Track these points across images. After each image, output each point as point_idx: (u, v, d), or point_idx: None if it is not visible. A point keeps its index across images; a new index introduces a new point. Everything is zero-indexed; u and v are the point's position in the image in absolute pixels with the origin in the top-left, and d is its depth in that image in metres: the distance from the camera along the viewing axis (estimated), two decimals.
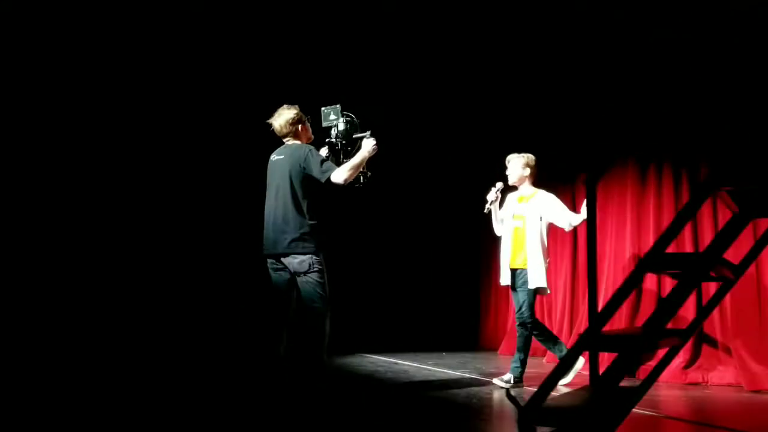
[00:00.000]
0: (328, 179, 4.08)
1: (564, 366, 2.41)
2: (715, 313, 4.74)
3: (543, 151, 7.33)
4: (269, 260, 4.23)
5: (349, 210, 7.97)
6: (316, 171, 4.11)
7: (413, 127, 8.22)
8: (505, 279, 5.18)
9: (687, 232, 5.57)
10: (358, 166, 4.14)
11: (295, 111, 4.35)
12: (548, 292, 5.27)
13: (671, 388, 4.88)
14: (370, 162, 4.29)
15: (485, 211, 5.30)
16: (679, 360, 5.11)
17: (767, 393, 4.66)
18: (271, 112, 4.40)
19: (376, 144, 4.24)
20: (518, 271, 5.07)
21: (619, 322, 5.66)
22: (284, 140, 4.40)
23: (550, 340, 5.09)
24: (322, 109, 4.43)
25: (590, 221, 2.78)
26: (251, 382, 4.99)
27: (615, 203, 6.22)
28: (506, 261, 5.17)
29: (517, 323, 5.05)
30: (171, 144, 7.32)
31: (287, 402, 4.07)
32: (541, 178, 5.42)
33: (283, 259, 4.15)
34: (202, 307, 7.20)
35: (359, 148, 4.27)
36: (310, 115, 4.45)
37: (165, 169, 7.34)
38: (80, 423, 3.67)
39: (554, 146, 7.21)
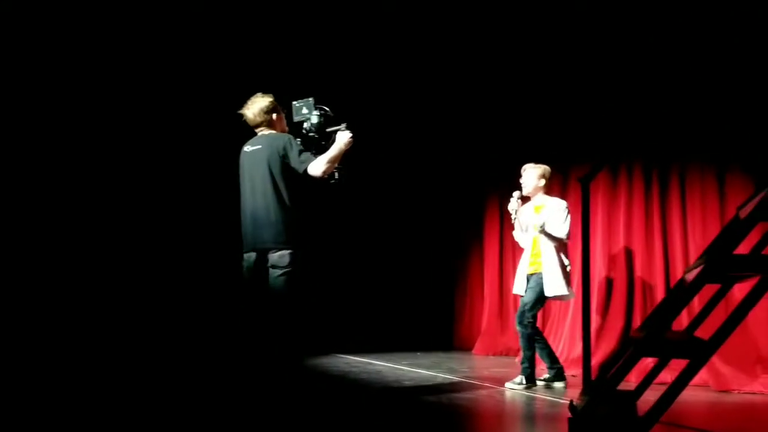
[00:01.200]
0: (306, 171, 3.95)
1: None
2: (684, 313, 4.78)
3: (521, 151, 7.44)
4: (247, 255, 4.06)
5: (325, 210, 7.96)
6: (294, 161, 3.98)
7: (390, 128, 8.22)
8: (518, 288, 5.22)
9: (657, 231, 5.64)
10: (335, 158, 3.98)
11: (269, 99, 4.20)
12: (573, 296, 5.22)
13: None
14: (345, 159, 4.13)
15: (512, 221, 5.29)
16: (648, 360, 5.15)
17: (735, 393, 4.73)
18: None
19: (351, 137, 4.05)
20: (533, 276, 5.10)
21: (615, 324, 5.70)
22: (257, 131, 4.24)
23: (546, 349, 5.13)
24: (293, 103, 4.29)
25: (584, 222, 2.80)
26: (227, 380, 4.96)
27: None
28: (523, 270, 5.20)
29: (517, 321, 5.08)
30: (144, 140, 7.22)
31: (262, 400, 4.01)
32: (514, 180, 5.43)
33: (264, 254, 3.99)
34: (178, 305, 7.13)
35: (334, 141, 4.07)
36: (285, 110, 4.32)
37: (140, 167, 7.25)
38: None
39: (534, 146, 7.26)
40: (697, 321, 2.62)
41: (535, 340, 5.05)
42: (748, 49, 4.95)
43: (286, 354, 3.99)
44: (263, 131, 4.22)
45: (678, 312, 2.22)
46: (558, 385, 5.04)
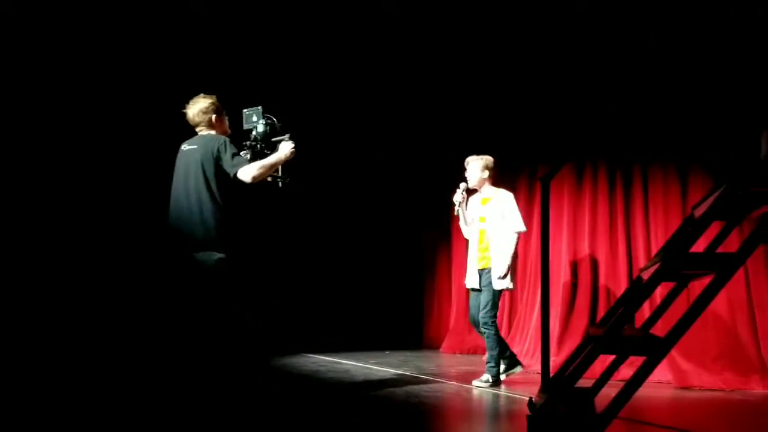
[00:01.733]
0: (236, 174, 3.94)
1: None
2: (645, 308, 4.85)
3: (484, 149, 7.48)
4: (178, 255, 4.01)
5: (293, 209, 7.97)
6: (226, 163, 3.96)
7: (358, 128, 8.23)
8: (471, 282, 5.23)
9: (620, 229, 5.72)
10: (269, 166, 4.02)
11: (210, 100, 4.21)
12: (513, 288, 5.26)
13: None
14: (291, 165, 4.19)
15: (455, 213, 5.34)
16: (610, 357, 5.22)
17: (696, 390, 4.81)
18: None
19: (294, 148, 4.13)
20: (484, 271, 5.11)
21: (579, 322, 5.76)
22: (197, 130, 4.24)
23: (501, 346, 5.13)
24: (244, 111, 4.35)
25: (544, 220, 2.82)
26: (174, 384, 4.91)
27: (552, 203, 6.32)
28: (473, 263, 5.21)
29: (481, 323, 5.06)
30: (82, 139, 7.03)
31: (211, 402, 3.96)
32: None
33: (194, 255, 3.94)
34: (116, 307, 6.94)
35: (277, 150, 4.17)
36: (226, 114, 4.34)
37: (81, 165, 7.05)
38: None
39: (496, 144, 7.30)
40: (654, 318, 2.68)
41: (500, 337, 5.10)
42: (709, 54, 5.03)
43: (228, 355, 3.95)
44: (202, 131, 4.22)
45: (635, 309, 2.26)
46: (518, 369, 5.17)
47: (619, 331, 2.23)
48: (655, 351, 2.13)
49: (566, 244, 6.05)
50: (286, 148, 4.11)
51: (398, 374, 5.66)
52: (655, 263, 2.79)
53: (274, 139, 4.26)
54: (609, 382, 2.56)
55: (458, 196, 5.25)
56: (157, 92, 6.64)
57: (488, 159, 5.28)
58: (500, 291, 5.08)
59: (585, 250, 5.91)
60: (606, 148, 5.85)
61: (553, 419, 2.19)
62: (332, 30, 6.89)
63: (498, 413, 4.10)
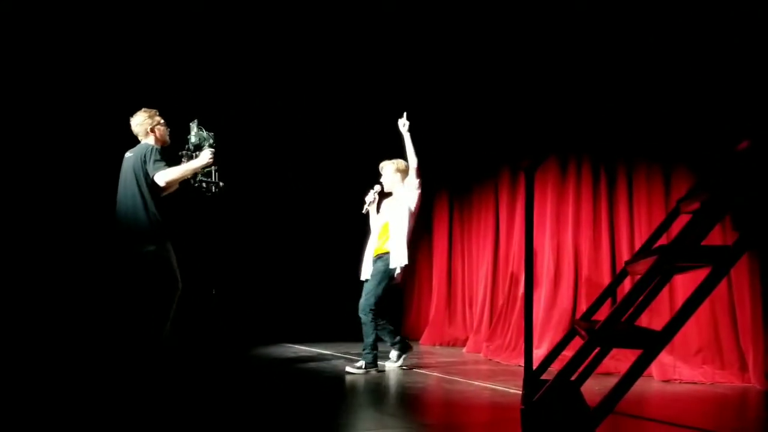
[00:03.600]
0: (153, 177, 4.47)
1: None
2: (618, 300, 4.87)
3: (469, 142, 7.46)
4: (119, 248, 4.55)
5: (271, 202, 8.09)
6: (149, 167, 4.49)
7: (346, 122, 8.26)
8: (365, 273, 5.47)
9: (604, 223, 5.73)
10: (184, 172, 4.56)
11: (146, 114, 4.71)
12: (399, 271, 5.39)
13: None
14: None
15: (363, 211, 5.67)
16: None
17: (676, 383, 4.84)
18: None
19: (212, 157, 4.66)
20: (378, 257, 5.37)
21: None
22: (139, 139, 4.75)
23: (386, 327, 5.41)
24: (190, 123, 4.85)
25: (528, 210, 2.80)
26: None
27: (535, 196, 6.32)
28: (369, 255, 5.48)
29: (360, 310, 5.32)
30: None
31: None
32: (463, 174, 5.48)
33: (131, 247, 4.49)
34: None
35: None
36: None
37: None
38: None
39: (480, 136, 7.30)
40: (638, 311, 2.68)
41: (378, 325, 5.30)
42: (694, 54, 5.05)
43: (144, 338, 4.40)
44: (141, 140, 4.75)
45: (632, 303, 2.25)
46: (405, 354, 5.47)
47: (616, 324, 2.21)
48: (652, 344, 2.12)
49: (549, 236, 6.05)
50: (203, 156, 4.67)
51: (379, 365, 5.63)
52: (644, 256, 2.78)
53: (206, 149, 4.74)
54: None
55: (369, 197, 5.60)
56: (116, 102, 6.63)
57: (399, 162, 5.53)
58: (393, 270, 5.29)
59: (568, 242, 5.91)
60: (591, 142, 5.85)
61: (549, 413, 2.17)
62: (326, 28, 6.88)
63: (484, 405, 4.08)
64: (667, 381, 4.88)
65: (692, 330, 4.91)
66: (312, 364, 5.68)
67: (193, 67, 7.18)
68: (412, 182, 5.41)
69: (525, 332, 2.80)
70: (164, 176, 4.47)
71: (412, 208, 5.42)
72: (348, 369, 5.15)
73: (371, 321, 5.23)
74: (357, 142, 8.46)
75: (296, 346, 7.10)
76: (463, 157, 7.45)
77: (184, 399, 4.04)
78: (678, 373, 4.90)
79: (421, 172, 5.43)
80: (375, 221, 5.64)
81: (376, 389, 4.44)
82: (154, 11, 6.44)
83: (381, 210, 5.65)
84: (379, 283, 5.29)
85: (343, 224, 8.76)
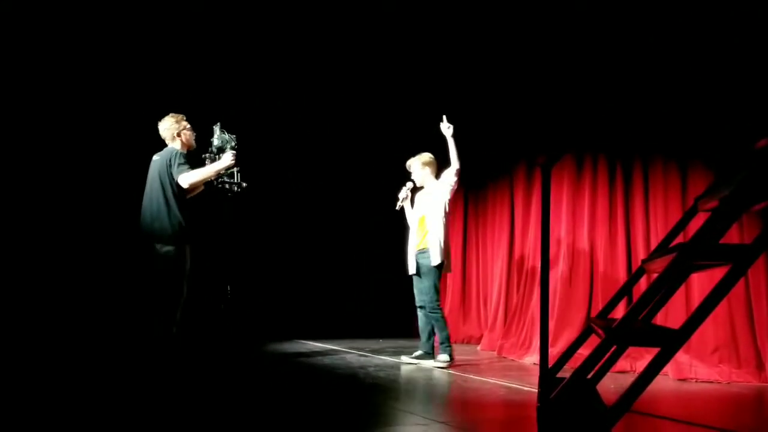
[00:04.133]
0: (177, 180, 4.71)
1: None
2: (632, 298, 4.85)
3: (479, 142, 7.43)
4: (146, 244, 4.74)
5: (291, 200, 8.18)
6: (174, 170, 4.72)
7: (361, 122, 8.29)
8: (411, 268, 5.60)
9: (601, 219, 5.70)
10: (207, 174, 4.78)
11: (173, 120, 4.95)
12: (450, 270, 5.70)
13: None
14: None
15: (397, 208, 5.80)
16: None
17: (692, 382, 4.82)
18: None
19: (234, 159, 4.86)
20: (421, 253, 5.48)
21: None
22: (166, 143, 4.98)
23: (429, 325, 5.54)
24: (213, 126, 5.04)
25: (545, 205, 2.78)
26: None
27: (551, 192, 6.29)
28: (412, 251, 5.61)
29: (427, 307, 5.43)
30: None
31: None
32: (478, 170, 5.47)
33: (153, 246, 4.69)
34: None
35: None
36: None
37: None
38: None
39: (496, 134, 7.28)
40: (655, 309, 2.67)
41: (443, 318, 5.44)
42: (710, 50, 5.01)
43: (157, 332, 4.61)
44: (168, 144, 4.97)
45: (649, 302, 2.23)
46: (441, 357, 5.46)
47: (633, 323, 2.20)
48: (669, 343, 2.11)
49: (565, 233, 6.02)
50: (225, 158, 4.87)
51: (396, 362, 5.64)
52: (661, 254, 2.77)
53: (228, 151, 4.93)
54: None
55: (403, 193, 5.74)
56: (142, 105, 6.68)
57: (423, 156, 5.67)
58: (438, 269, 5.41)
59: (584, 239, 5.88)
60: (607, 138, 5.82)
61: (565, 412, 2.17)
62: (329, 30, 6.90)
63: (501, 402, 4.08)
64: (683, 380, 4.86)
65: (709, 328, 4.88)
66: (327, 360, 5.69)
67: (216, 69, 7.24)
68: (450, 180, 5.51)
69: (541, 330, 2.79)
70: (188, 178, 4.71)
71: (447, 203, 5.53)
72: (434, 363, 5.36)
73: (441, 317, 5.39)
74: (362, 137, 8.49)
75: (310, 343, 7.12)
76: (478, 152, 7.42)
77: (197, 395, 4.06)
78: (694, 372, 4.88)
79: (461, 174, 5.56)
80: (411, 216, 5.76)
81: (392, 386, 4.44)
82: (183, 19, 6.53)
83: (415, 204, 5.76)
84: (432, 280, 5.42)
85: (358, 221, 8.82)
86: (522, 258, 6.71)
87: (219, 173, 4.89)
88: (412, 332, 8.40)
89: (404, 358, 5.56)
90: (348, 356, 6.01)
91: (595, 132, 5.89)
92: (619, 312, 4.50)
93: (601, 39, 5.73)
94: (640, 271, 3.27)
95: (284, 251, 8.35)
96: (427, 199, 5.61)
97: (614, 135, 5.76)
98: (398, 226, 8.76)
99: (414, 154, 5.71)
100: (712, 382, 4.77)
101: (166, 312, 4.64)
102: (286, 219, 8.42)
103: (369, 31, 6.92)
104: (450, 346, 5.41)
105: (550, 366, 3.01)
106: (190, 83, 7.06)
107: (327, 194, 8.72)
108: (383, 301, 8.64)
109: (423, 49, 7.11)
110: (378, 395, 4.13)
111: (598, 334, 2.70)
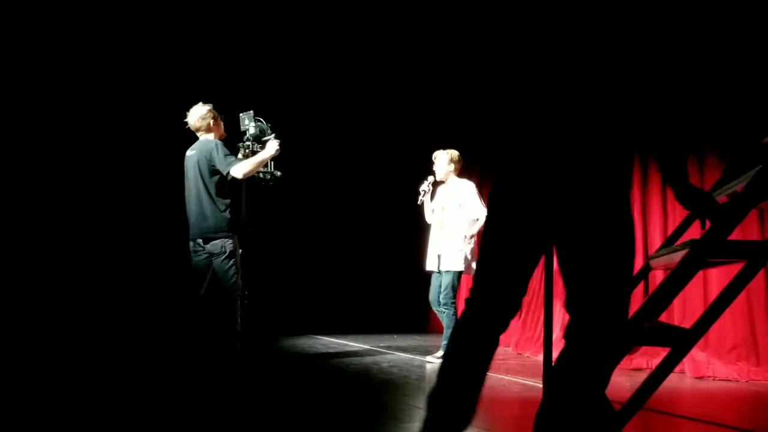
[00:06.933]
0: (230, 172, 4.47)
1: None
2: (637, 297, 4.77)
3: (493, 133, 7.35)
4: (191, 243, 4.61)
5: (305, 197, 8.24)
6: (220, 164, 4.49)
7: (375, 117, 8.25)
8: (430, 265, 5.59)
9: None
10: (258, 163, 4.56)
11: (207, 108, 4.67)
12: (471, 272, 5.45)
13: (615, 373, 4.91)
14: (282, 161, 4.79)
15: (418, 202, 5.77)
16: None
17: (710, 380, 4.76)
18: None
19: (279, 146, 4.68)
20: (442, 255, 5.45)
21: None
22: (198, 134, 4.73)
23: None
24: (240, 114, 4.88)
25: None
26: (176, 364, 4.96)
27: None
28: (433, 247, 5.58)
29: (441, 303, 5.41)
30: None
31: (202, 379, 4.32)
32: (491, 159, 5.41)
33: (203, 243, 4.55)
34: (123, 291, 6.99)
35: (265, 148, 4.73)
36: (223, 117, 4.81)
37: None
38: None
39: (502, 124, 7.19)
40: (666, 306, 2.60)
41: (454, 316, 5.36)
42: (726, 43, 4.93)
43: (225, 332, 4.53)
44: (202, 135, 4.72)
45: (661, 299, 2.18)
46: None
47: (643, 322, 2.16)
48: (680, 343, 2.07)
49: None
50: (272, 146, 4.68)
51: (409, 358, 5.63)
52: (668, 251, 2.70)
53: (263, 139, 4.79)
54: None
55: (424, 186, 5.71)
56: (158, 100, 6.71)
57: (453, 152, 5.61)
58: (458, 273, 5.39)
59: None
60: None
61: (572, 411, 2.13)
62: (331, 33, 6.90)
63: (511, 399, 4.05)
64: (700, 378, 4.80)
65: (727, 326, 4.81)
66: (340, 356, 5.69)
67: (231, 62, 7.26)
68: (478, 205, 5.42)
69: (545, 329, 2.73)
70: (241, 169, 4.46)
71: (465, 207, 5.49)
72: (428, 358, 5.45)
73: (453, 314, 5.35)
74: (381, 134, 8.48)
75: (324, 338, 7.12)
76: (492, 142, 7.33)
77: (209, 391, 4.06)
78: (712, 370, 4.81)
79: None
80: (430, 210, 5.74)
81: (406, 382, 4.43)
82: (190, 16, 6.54)
83: (435, 198, 5.74)
84: (451, 279, 5.40)
85: (373, 217, 8.81)
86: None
87: (265, 162, 4.70)
88: (426, 328, 8.41)
89: (429, 358, 5.51)
90: (361, 352, 6.00)
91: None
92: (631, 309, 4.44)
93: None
94: (647, 268, 3.20)
95: (299, 246, 8.36)
96: (446, 196, 5.60)
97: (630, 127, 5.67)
98: (414, 222, 8.80)
99: (435, 150, 5.66)
100: (730, 380, 4.71)
101: (230, 309, 4.52)
102: (301, 214, 8.43)
103: (397, 26, 6.88)
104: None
105: (553, 363, 2.96)
106: (192, 82, 7.04)
107: (343, 189, 8.72)
108: (398, 296, 8.64)
109: (447, 44, 7.09)
110: (391, 391, 4.11)
111: None
